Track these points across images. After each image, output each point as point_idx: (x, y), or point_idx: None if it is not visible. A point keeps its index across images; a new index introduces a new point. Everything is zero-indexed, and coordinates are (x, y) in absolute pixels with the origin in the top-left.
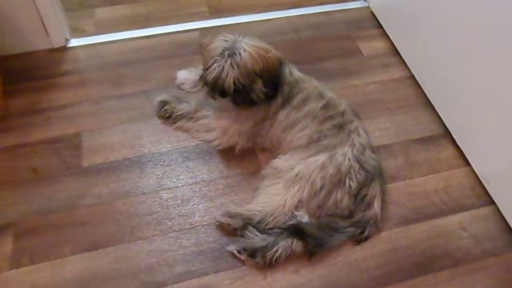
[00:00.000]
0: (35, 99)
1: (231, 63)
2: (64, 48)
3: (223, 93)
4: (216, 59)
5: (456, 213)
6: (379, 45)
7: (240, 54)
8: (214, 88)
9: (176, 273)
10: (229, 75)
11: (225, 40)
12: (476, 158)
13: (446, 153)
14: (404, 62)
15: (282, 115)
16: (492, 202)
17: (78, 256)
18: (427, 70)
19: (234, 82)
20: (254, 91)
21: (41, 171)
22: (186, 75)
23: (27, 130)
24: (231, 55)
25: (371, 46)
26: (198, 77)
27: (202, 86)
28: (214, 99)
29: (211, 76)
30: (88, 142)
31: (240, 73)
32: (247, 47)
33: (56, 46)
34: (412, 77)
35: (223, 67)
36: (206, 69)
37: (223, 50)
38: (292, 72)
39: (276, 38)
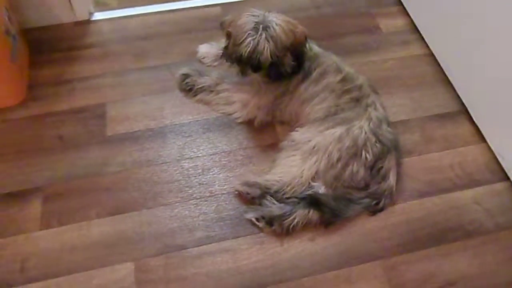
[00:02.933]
0: (61, 70)
1: (266, 37)
2: (88, 21)
3: (257, 67)
4: (250, 33)
5: (470, 188)
6: (399, 22)
7: (273, 28)
8: (249, 62)
9: (197, 237)
10: (265, 48)
11: (254, 15)
12: (492, 134)
13: (462, 129)
14: (423, 39)
15: (301, 88)
16: (506, 178)
17: (103, 219)
18: (446, 47)
19: (270, 55)
20: (284, 64)
21: (67, 139)
22: (208, 49)
23: (53, 100)
24: (265, 28)
25: (391, 23)
26: (220, 52)
27: (231, 62)
28: (245, 75)
29: (246, 50)
30: (112, 112)
31: (275, 46)
32: (278, 21)
33: (80, 19)
34: (431, 54)
35: (259, 40)
36: (239, 44)
37: (255, 25)
38: (312, 47)
39: (298, 14)
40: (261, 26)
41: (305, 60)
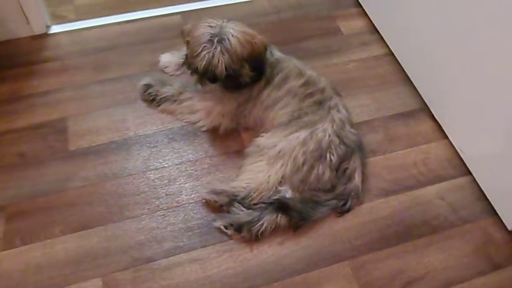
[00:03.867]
0: (19, 86)
1: (221, 50)
2: (45, 35)
3: (214, 79)
4: (205, 46)
5: (434, 184)
6: (358, 23)
7: (229, 40)
8: (205, 75)
9: (165, 248)
10: (220, 61)
11: (211, 26)
12: (453, 130)
13: (424, 127)
14: (383, 40)
15: (264, 94)
16: (468, 172)
17: (68, 236)
18: (405, 46)
19: (225, 68)
20: (242, 75)
21: (28, 156)
22: (169, 58)
23: (12, 116)
24: (220, 41)
25: (351, 25)
26: (181, 61)
27: (190, 72)
28: (202, 85)
29: (201, 63)
30: (74, 126)
31: (230, 59)
32: (235, 32)
33: (37, 33)
34: (391, 54)
35: (214, 53)
36: (195, 57)
37: (211, 37)
38: (273, 53)
39: (258, 20)
40: (216, 38)
41: (266, 68)
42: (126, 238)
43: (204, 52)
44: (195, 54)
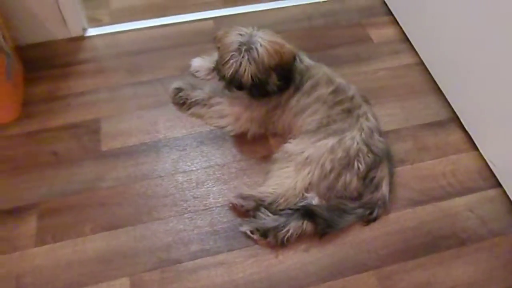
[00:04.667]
0: (55, 86)
1: (248, 59)
2: (81, 38)
3: (240, 87)
4: (233, 54)
5: (463, 196)
6: (389, 32)
7: (256, 49)
8: (232, 82)
9: (192, 251)
10: (247, 70)
11: (241, 34)
12: (483, 142)
13: (454, 137)
14: (414, 49)
15: (293, 101)
16: (498, 184)
17: (98, 235)
18: (436, 56)
19: (251, 77)
20: (269, 84)
21: (62, 155)
22: (200, 63)
23: (47, 116)
24: (248, 50)
25: (381, 33)
26: (212, 66)
27: (219, 78)
28: (230, 91)
29: (229, 71)
30: (107, 127)
31: (257, 68)
32: (263, 42)
33: (74, 36)
34: (422, 63)
35: (241, 62)
36: (223, 64)
37: (239, 45)
38: (303, 60)
39: (289, 26)
40: (244, 47)
41: (295, 76)
42: (154, 239)
43: (231, 60)
44: (224, 61)
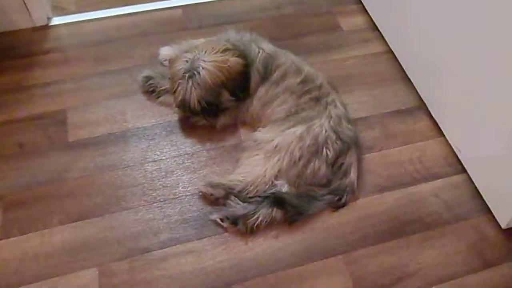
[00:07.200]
0: (19, 77)
1: (192, 85)
2: (46, 27)
3: (192, 112)
4: (180, 82)
5: (429, 181)
6: (359, 20)
7: (199, 73)
8: (184, 109)
9: (161, 240)
10: (192, 96)
11: (186, 61)
12: (449, 128)
13: (421, 124)
14: (383, 37)
15: (261, 91)
16: (464, 170)
17: (66, 226)
18: (405, 44)
19: (198, 102)
20: (222, 102)
21: (27, 147)
22: (169, 52)
23: (12, 107)
24: (191, 76)
25: (351, 22)
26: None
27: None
28: (188, 117)
29: (177, 99)
30: (73, 118)
31: (204, 92)
32: (205, 64)
33: (38, 25)
34: (390, 51)
35: (186, 89)
36: (173, 92)
37: (184, 73)
38: (262, 47)
39: (258, 15)
40: (187, 74)
41: (256, 64)
42: (123, 228)
43: (179, 88)
44: (173, 90)
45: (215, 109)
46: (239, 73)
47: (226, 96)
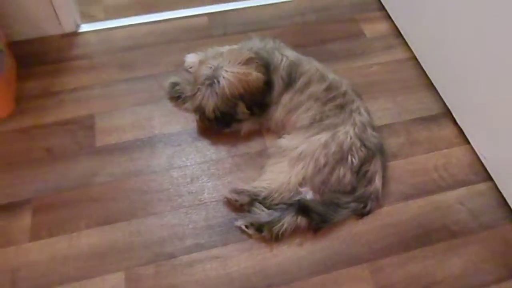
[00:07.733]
0: (48, 82)
1: (210, 93)
2: (75, 33)
3: (207, 119)
4: (199, 88)
5: (454, 189)
6: (382, 27)
7: (219, 82)
8: (199, 115)
9: (186, 245)
10: (208, 104)
11: (210, 67)
12: (475, 136)
13: (446, 131)
14: (407, 44)
15: (285, 98)
16: (489, 178)
17: (93, 230)
18: (429, 51)
19: (213, 111)
20: (237, 113)
21: (56, 151)
22: (195, 59)
23: (41, 112)
24: (211, 84)
25: (375, 28)
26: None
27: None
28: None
29: (195, 104)
30: (101, 123)
31: (221, 101)
32: (226, 74)
33: (67, 32)
34: (414, 58)
35: (204, 96)
36: (192, 96)
37: (205, 79)
38: (286, 55)
39: (282, 22)
40: (208, 82)
41: (280, 71)
42: (149, 234)
43: (198, 93)
44: (193, 93)
45: (229, 119)
46: (258, 89)
47: (242, 108)
